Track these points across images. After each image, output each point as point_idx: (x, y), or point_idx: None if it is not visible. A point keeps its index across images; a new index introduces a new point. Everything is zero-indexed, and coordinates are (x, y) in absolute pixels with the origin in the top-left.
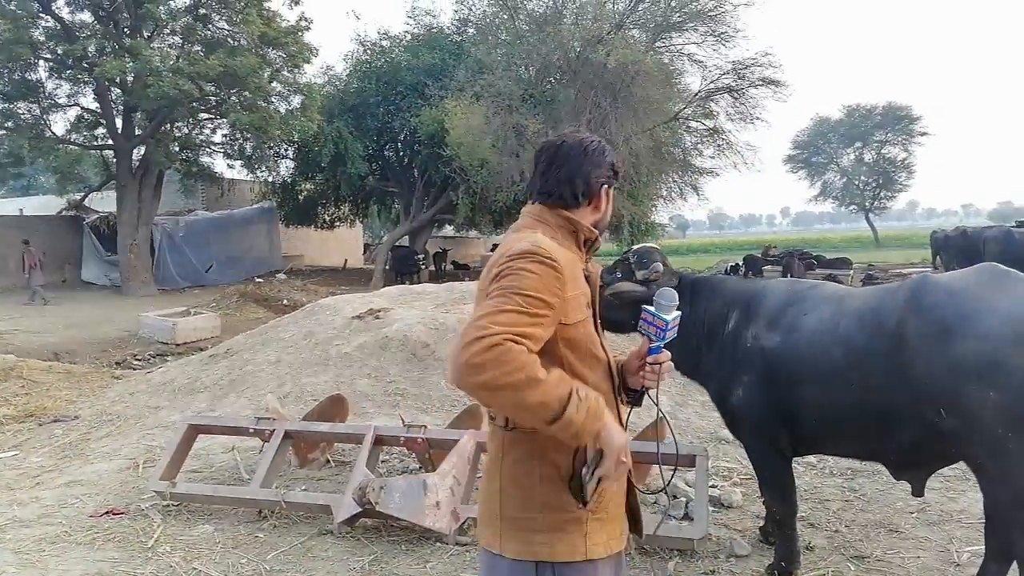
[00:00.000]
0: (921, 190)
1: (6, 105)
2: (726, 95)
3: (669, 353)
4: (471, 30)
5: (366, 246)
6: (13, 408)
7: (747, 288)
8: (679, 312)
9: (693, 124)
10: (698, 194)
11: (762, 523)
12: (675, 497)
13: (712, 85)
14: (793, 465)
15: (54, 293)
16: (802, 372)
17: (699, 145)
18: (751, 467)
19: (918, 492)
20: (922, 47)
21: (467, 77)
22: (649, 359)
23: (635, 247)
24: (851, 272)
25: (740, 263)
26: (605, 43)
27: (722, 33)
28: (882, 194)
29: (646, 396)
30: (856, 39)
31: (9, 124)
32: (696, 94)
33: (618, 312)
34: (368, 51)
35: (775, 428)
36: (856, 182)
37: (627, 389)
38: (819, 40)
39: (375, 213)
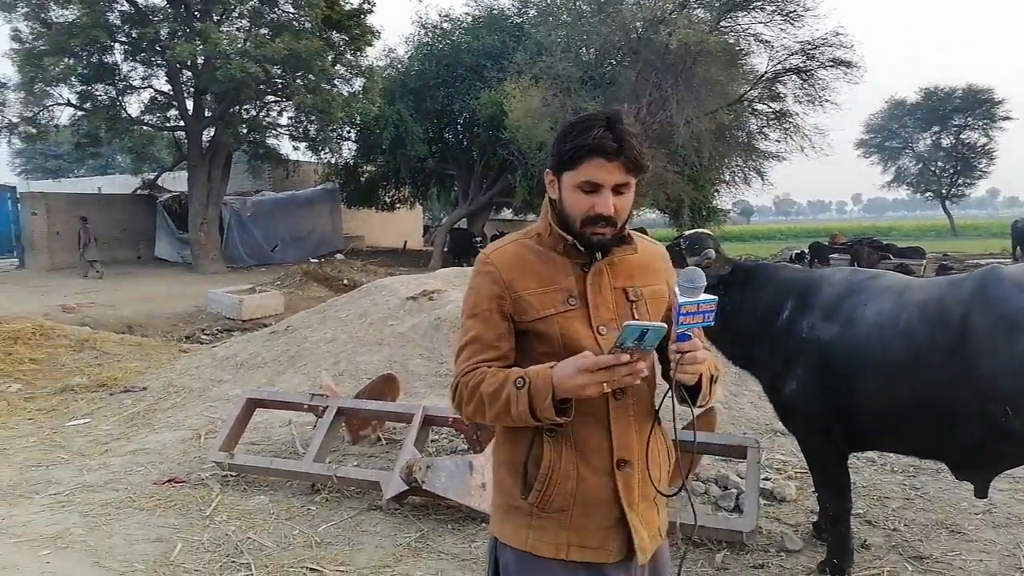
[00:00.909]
0: (1002, 177)
1: (85, 87)
2: (794, 76)
3: (698, 341)
4: (532, 11)
5: (425, 228)
6: (87, 377)
7: (803, 277)
8: (711, 297)
9: (758, 106)
10: (763, 179)
11: (815, 518)
12: (725, 488)
13: (779, 66)
14: (851, 460)
15: (129, 268)
16: (859, 365)
17: (764, 128)
18: (805, 460)
19: (981, 493)
20: (1006, 26)
21: (526, 59)
22: (673, 347)
23: (686, 232)
24: (924, 262)
25: (805, 251)
26: (668, 23)
27: (791, 12)
28: (960, 181)
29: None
30: (935, 18)
31: (87, 106)
32: (762, 76)
33: None
34: (429, 33)
35: (829, 422)
36: (932, 168)
37: (681, 385)
38: (895, 19)
39: (434, 195)
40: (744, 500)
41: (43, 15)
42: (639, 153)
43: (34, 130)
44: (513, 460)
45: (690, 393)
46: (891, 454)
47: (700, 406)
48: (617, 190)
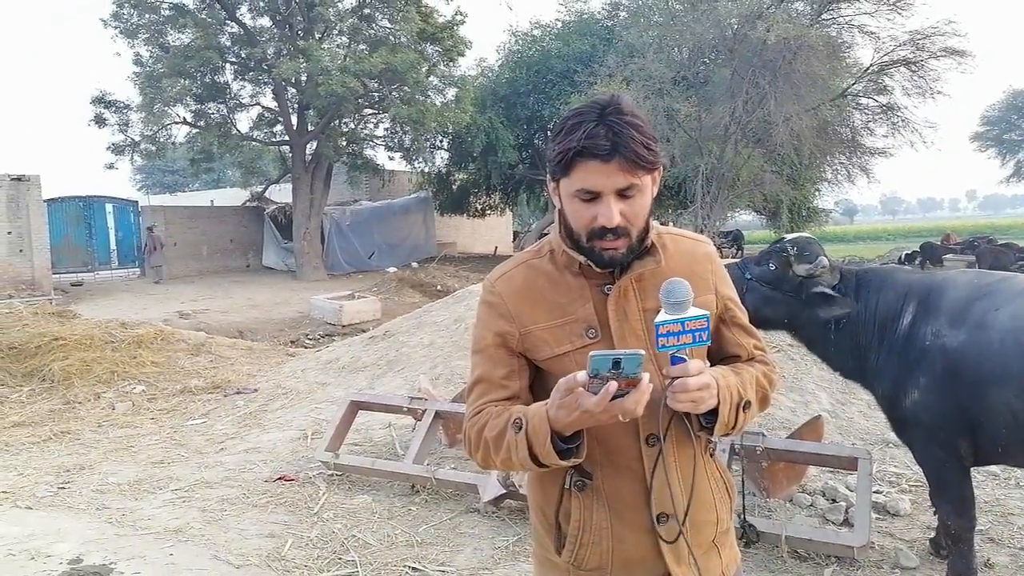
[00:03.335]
0: None
1: (199, 106)
2: (902, 68)
3: (699, 364)
4: (623, 14)
5: (515, 234)
6: (203, 380)
7: (923, 280)
8: (701, 312)
9: (863, 100)
10: (868, 176)
11: (933, 534)
12: (834, 501)
13: (886, 58)
14: (973, 474)
15: (239, 276)
16: (993, 374)
17: (870, 123)
18: (921, 473)
19: None
20: None
21: (617, 62)
22: (665, 372)
23: (789, 236)
24: None
25: (916, 251)
26: (765, 18)
27: (898, 1)
28: None
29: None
30: None
31: (201, 123)
32: (867, 68)
33: (773, 309)
34: (519, 41)
35: (955, 435)
36: None
37: (702, 415)
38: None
39: (524, 201)
40: (855, 513)
41: (161, 40)
42: (643, 147)
43: (153, 147)
44: (544, 512)
45: (706, 419)
46: (1016, 469)
47: (725, 434)
48: (622, 195)
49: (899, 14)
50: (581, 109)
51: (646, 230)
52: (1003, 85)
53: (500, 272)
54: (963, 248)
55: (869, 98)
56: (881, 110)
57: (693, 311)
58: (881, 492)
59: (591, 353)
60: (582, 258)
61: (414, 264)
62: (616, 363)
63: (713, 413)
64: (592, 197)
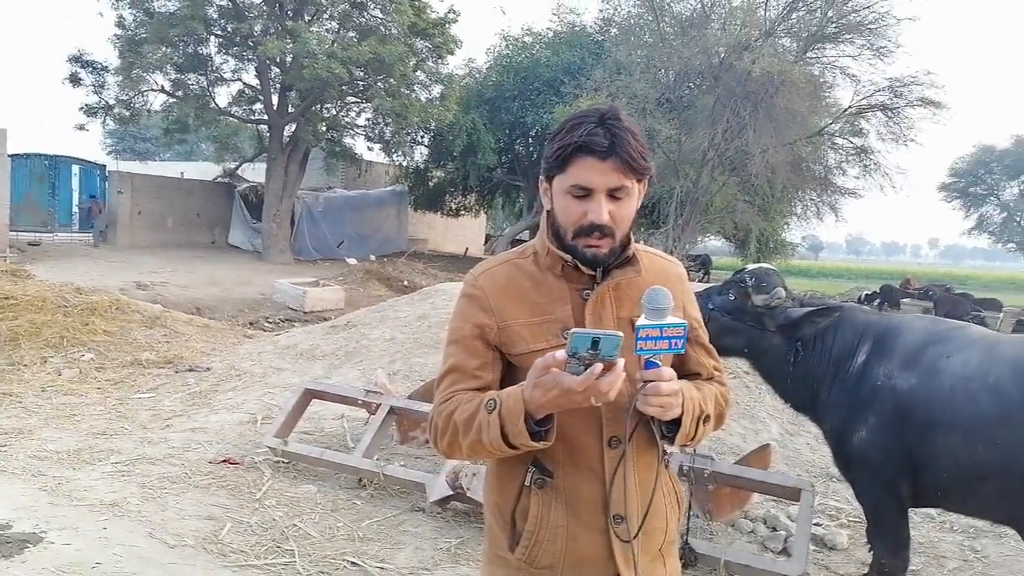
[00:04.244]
0: None
1: (178, 76)
2: (879, 113)
3: (671, 371)
4: (614, 30)
5: (487, 237)
6: (155, 354)
7: (881, 321)
8: (678, 320)
9: (839, 140)
10: (836, 215)
11: (866, 570)
12: (774, 530)
13: (864, 101)
14: (910, 516)
15: (202, 252)
16: (940, 419)
17: (843, 163)
18: (860, 510)
19: None
20: None
21: (604, 77)
22: (639, 375)
23: (750, 267)
24: (1001, 315)
25: (876, 293)
26: (752, 50)
27: (881, 47)
28: None
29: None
30: None
31: (179, 94)
32: (845, 110)
33: (733, 338)
34: (510, 46)
35: (898, 475)
36: (1017, 218)
37: (664, 423)
38: (989, 63)
39: (499, 205)
40: (793, 543)
41: (147, 4)
42: (637, 152)
43: (127, 113)
44: (501, 509)
45: (668, 428)
46: (952, 513)
47: (684, 445)
48: (613, 195)
49: (881, 60)
50: (582, 112)
51: (628, 238)
52: (973, 139)
53: (483, 268)
54: (921, 294)
55: (844, 139)
56: (855, 151)
57: (672, 319)
58: (821, 525)
59: (573, 330)
60: (567, 256)
61: (372, 257)
62: (595, 343)
63: (676, 423)
64: (585, 194)
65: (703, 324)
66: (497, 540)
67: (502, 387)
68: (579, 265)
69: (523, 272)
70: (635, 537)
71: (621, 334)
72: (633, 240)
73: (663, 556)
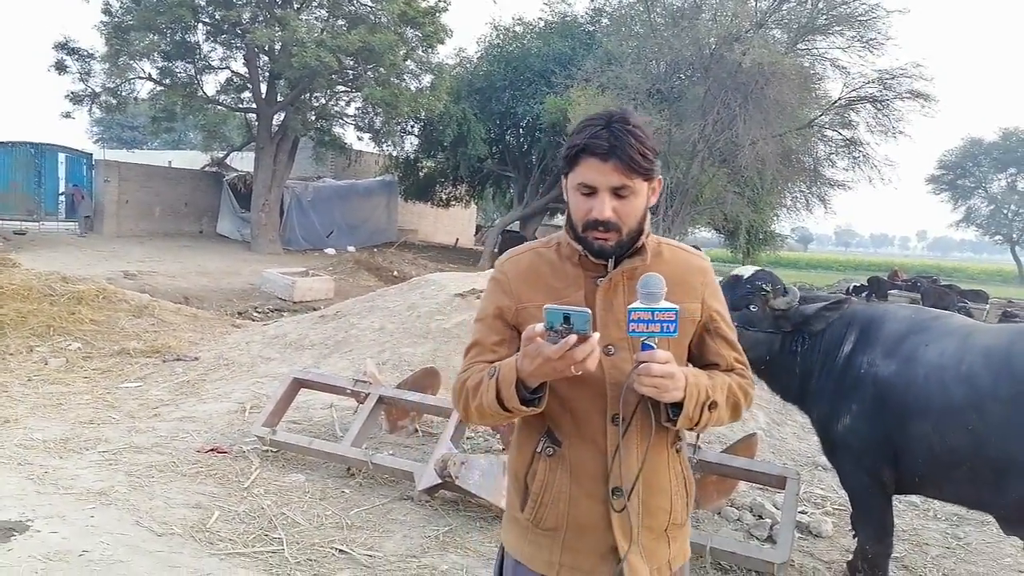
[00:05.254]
0: None
1: (166, 64)
2: (868, 105)
3: (666, 354)
4: (605, 20)
5: (478, 227)
6: (142, 343)
7: (867, 311)
8: (670, 305)
9: (828, 133)
10: (826, 207)
11: (851, 557)
12: (760, 518)
13: (854, 93)
14: (894, 503)
15: (190, 242)
16: (915, 406)
17: (832, 155)
18: (845, 498)
19: None
20: None
21: (595, 67)
22: (634, 357)
23: (745, 271)
24: (987, 307)
25: (864, 284)
26: (743, 41)
27: (871, 39)
28: None
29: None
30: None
31: (167, 81)
32: (835, 102)
33: (756, 350)
34: (501, 36)
35: (879, 462)
36: (1005, 211)
37: (669, 406)
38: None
39: (490, 196)
40: (779, 531)
41: None
42: (639, 154)
43: (114, 101)
44: (516, 472)
45: (673, 411)
46: (936, 500)
47: (690, 429)
48: (616, 193)
49: (870, 52)
50: (593, 115)
51: (639, 231)
52: (961, 132)
53: (510, 255)
54: (909, 286)
55: (834, 131)
56: (844, 143)
57: (664, 304)
58: (806, 512)
59: (545, 306)
60: (580, 247)
61: (350, 248)
62: (567, 318)
63: (680, 407)
64: (590, 192)
65: (728, 318)
66: (512, 501)
67: None
68: (590, 255)
69: (544, 260)
70: (624, 509)
71: (589, 310)
72: (648, 232)
73: (668, 537)
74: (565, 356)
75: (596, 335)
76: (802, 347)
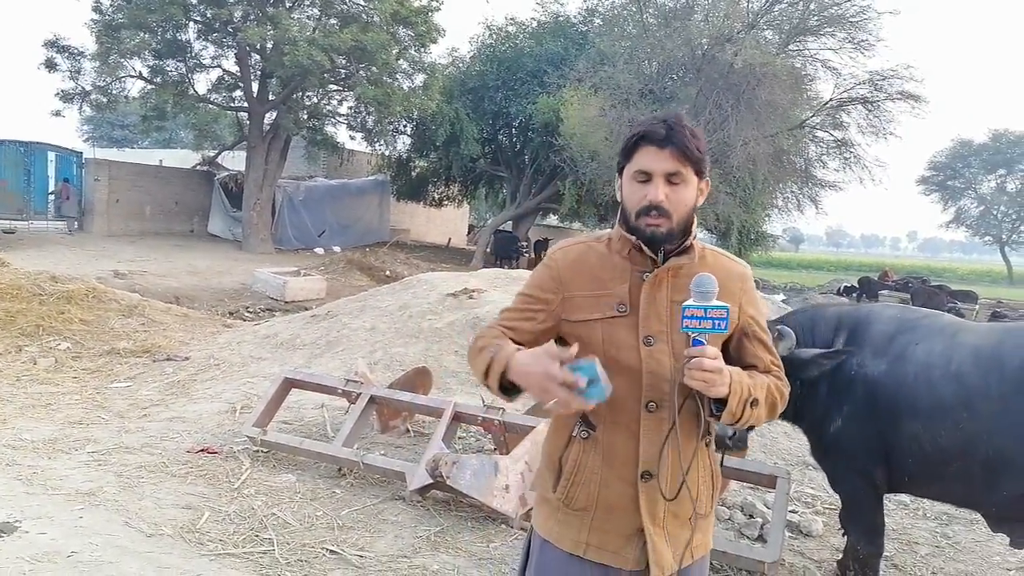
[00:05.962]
0: None
1: (157, 62)
2: (859, 106)
3: (716, 351)
4: (598, 21)
5: (470, 227)
6: (132, 343)
7: (854, 313)
8: (722, 304)
9: (820, 133)
10: (817, 207)
11: (841, 556)
12: (751, 517)
13: (845, 94)
14: (884, 502)
15: (181, 241)
16: (905, 405)
17: (824, 156)
18: (835, 497)
19: (1018, 544)
20: None
21: (588, 68)
22: (685, 352)
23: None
24: (976, 307)
25: (855, 285)
26: (735, 42)
27: (862, 41)
28: (1023, 227)
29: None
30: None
31: (158, 80)
32: (826, 103)
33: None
34: (493, 35)
35: (871, 462)
36: (995, 212)
37: (713, 401)
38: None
39: (482, 195)
40: (769, 530)
41: None
42: (692, 144)
43: (105, 99)
44: (551, 454)
45: (716, 407)
46: (925, 499)
47: (732, 424)
48: (670, 180)
49: (861, 53)
50: (652, 116)
51: (688, 225)
52: (951, 133)
53: (562, 245)
54: (899, 286)
55: (825, 131)
56: (835, 144)
57: (716, 302)
58: (796, 512)
59: (591, 360)
60: (633, 238)
61: (336, 249)
62: (591, 382)
63: (723, 403)
64: (646, 179)
65: (764, 324)
66: (544, 482)
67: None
68: (643, 247)
69: (594, 252)
70: (657, 491)
71: (610, 387)
72: (695, 235)
73: (692, 526)
74: (563, 384)
75: (593, 402)
76: (801, 390)
